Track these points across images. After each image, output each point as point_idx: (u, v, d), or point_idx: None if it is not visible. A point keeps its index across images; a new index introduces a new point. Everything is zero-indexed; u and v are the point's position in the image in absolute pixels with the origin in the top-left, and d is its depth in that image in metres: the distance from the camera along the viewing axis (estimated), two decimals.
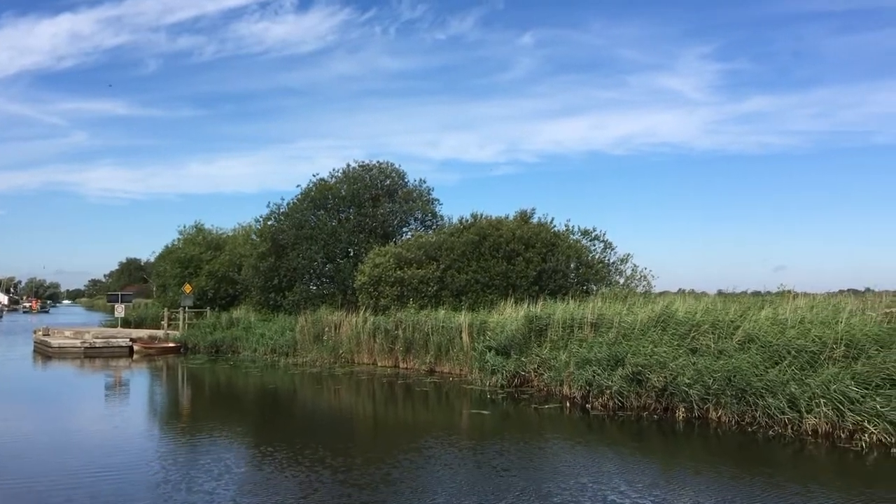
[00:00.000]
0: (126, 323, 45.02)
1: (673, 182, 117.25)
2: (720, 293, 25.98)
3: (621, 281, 29.65)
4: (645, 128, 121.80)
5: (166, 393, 22.36)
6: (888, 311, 15.41)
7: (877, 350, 13.98)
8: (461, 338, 23.98)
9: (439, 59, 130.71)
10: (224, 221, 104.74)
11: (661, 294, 26.30)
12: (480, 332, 23.18)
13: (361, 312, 28.73)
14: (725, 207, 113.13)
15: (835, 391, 13.44)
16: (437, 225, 35.26)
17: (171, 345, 35.39)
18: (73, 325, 49.71)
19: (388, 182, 36.09)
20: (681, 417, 15.61)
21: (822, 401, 13.51)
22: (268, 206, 38.29)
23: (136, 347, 34.23)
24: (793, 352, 14.87)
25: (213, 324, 36.93)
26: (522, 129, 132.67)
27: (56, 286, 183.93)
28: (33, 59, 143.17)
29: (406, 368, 26.04)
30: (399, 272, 28.48)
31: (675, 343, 17.09)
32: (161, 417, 17.53)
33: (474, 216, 30.97)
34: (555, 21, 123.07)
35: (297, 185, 37.76)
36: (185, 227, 46.52)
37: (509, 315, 23.31)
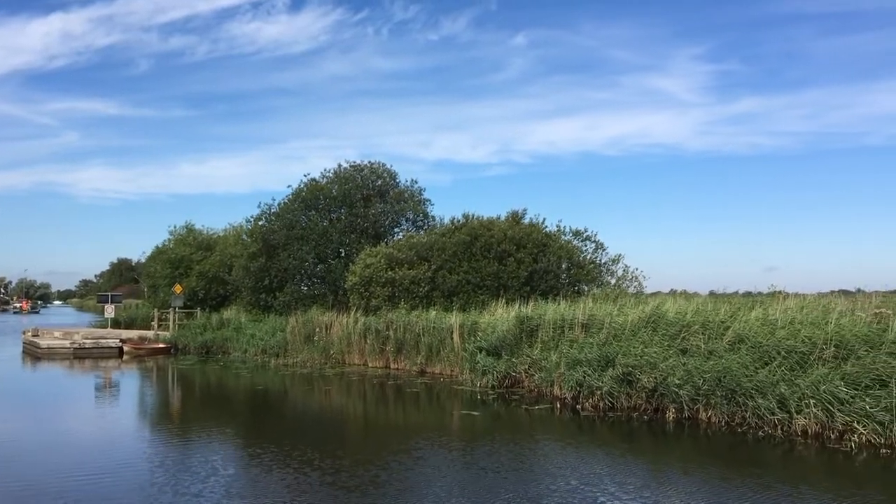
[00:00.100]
0: (116, 323, 44.81)
1: (665, 183, 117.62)
2: (712, 294, 26.10)
3: (612, 281, 29.67)
4: (637, 128, 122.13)
5: (155, 394, 22.22)
6: (878, 311, 15.43)
7: (866, 350, 13.98)
8: (452, 338, 23.93)
9: (432, 59, 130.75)
10: (216, 222, 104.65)
11: (653, 294, 26.34)
12: (471, 332, 23.13)
13: (352, 313, 28.65)
14: (717, 208, 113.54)
15: (824, 392, 13.44)
16: (429, 225, 35.21)
17: (161, 345, 35.23)
18: (62, 325, 49.47)
19: (379, 182, 36.02)
20: (671, 418, 15.60)
21: (811, 401, 13.50)
22: (258, 206, 38.26)
23: (125, 348, 34.06)
24: (783, 352, 14.88)
25: (204, 324, 36.76)
26: (515, 129, 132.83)
27: (47, 286, 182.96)
28: (24, 58, 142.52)
29: (397, 369, 25.97)
30: (390, 273, 28.40)
31: (666, 343, 17.08)
32: (149, 419, 17.41)
33: (466, 217, 30.93)
34: (547, 22, 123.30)
35: (288, 186, 37.65)
36: (175, 227, 46.38)
37: (500, 316, 23.28)
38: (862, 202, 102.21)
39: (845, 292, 22.88)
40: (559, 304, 22.23)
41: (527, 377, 20.19)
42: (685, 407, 15.44)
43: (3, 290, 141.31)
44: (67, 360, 31.36)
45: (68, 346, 33.49)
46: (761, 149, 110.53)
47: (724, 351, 15.86)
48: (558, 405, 17.72)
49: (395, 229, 35.87)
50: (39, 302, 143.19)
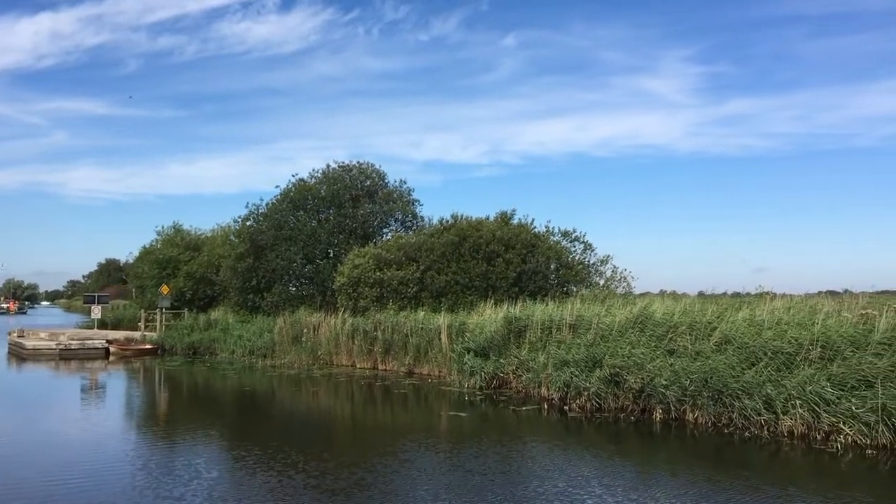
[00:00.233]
0: (103, 324, 44.46)
1: (656, 184, 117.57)
2: (700, 294, 26.11)
3: (601, 282, 29.69)
4: (628, 130, 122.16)
5: (141, 396, 22.03)
6: (864, 312, 15.46)
7: (852, 351, 14.01)
8: (440, 339, 23.87)
9: (422, 60, 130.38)
10: (205, 222, 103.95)
11: (643, 295, 26.34)
12: (459, 333, 23.07)
13: (340, 314, 28.53)
14: (708, 209, 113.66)
15: (810, 392, 13.46)
16: (418, 226, 35.13)
17: (148, 346, 34.99)
18: (50, 326, 49.11)
19: (368, 182, 35.91)
20: (658, 419, 15.59)
21: (797, 402, 13.52)
22: (246, 206, 38.00)
23: (112, 349, 33.81)
24: (769, 353, 14.90)
25: (191, 325, 36.51)
26: (505, 130, 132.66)
27: (35, 287, 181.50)
28: (13, 57, 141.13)
29: (385, 370, 25.87)
30: (378, 273, 28.31)
31: (653, 344, 17.09)
32: (134, 421, 17.25)
33: (454, 217, 30.88)
34: (538, 22, 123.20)
35: (276, 186, 37.47)
36: (163, 227, 46.06)
37: (488, 316, 23.24)
38: (852, 203, 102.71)
39: (833, 293, 22.92)
40: (547, 305, 22.20)
41: (514, 378, 20.15)
42: (672, 408, 15.43)
43: None
44: (53, 362, 31.09)
45: (54, 347, 33.19)
46: (752, 150, 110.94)
47: (711, 352, 15.88)
48: (546, 406, 17.68)
49: (384, 230, 35.77)
50: (27, 303, 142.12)
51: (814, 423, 13.34)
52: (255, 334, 31.82)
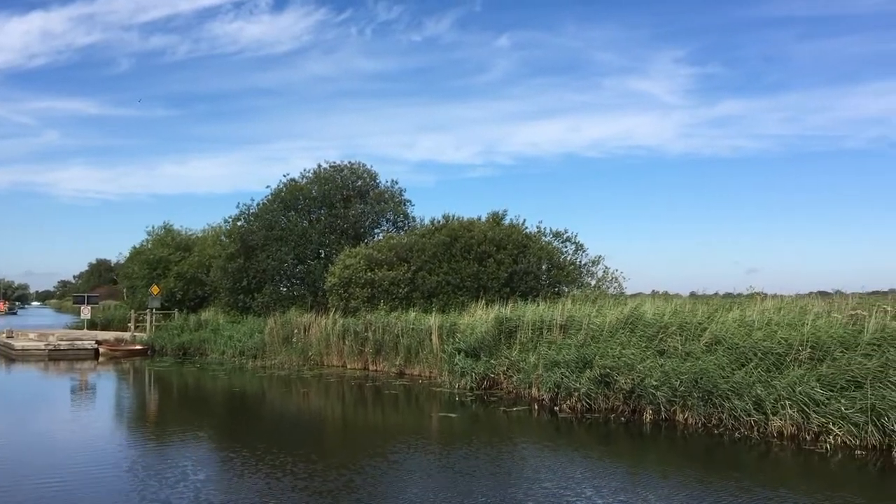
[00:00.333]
0: (93, 325, 44.24)
1: (648, 184, 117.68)
2: (693, 295, 26.13)
3: (593, 283, 29.70)
4: (619, 131, 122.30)
5: (130, 397, 21.91)
6: (853, 312, 15.47)
7: (842, 352, 14.01)
8: (431, 340, 23.80)
9: (415, 60, 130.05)
10: (197, 222, 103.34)
11: (635, 296, 26.34)
12: (450, 334, 23.01)
13: (331, 314, 28.42)
14: (699, 210, 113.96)
15: (800, 393, 13.46)
16: (409, 226, 35.05)
17: (138, 347, 34.81)
18: (40, 326, 48.82)
19: (359, 183, 35.81)
20: (648, 419, 15.57)
21: (787, 403, 13.52)
22: (237, 206, 37.83)
23: (101, 350, 33.62)
24: (759, 354, 14.89)
25: (181, 326, 36.31)
26: (499, 130, 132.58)
27: (25, 287, 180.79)
28: (3, 57, 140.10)
29: (376, 371, 25.80)
30: (370, 273, 28.23)
31: (643, 345, 17.07)
32: (123, 422, 17.13)
33: (446, 217, 30.85)
34: (531, 23, 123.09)
35: (267, 186, 37.31)
36: (153, 227, 45.83)
37: (479, 317, 23.17)
38: (842, 205, 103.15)
39: (824, 294, 22.97)
40: (538, 306, 22.16)
41: (505, 379, 20.11)
42: (662, 408, 15.42)
43: None
44: (42, 362, 30.89)
45: (43, 347, 32.98)
46: (742, 151, 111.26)
47: (702, 352, 15.86)
48: (536, 407, 17.65)
49: (376, 230, 35.69)
50: (17, 303, 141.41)
51: (803, 423, 13.34)
52: (245, 335, 31.68)
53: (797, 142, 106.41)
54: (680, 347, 16.38)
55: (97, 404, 19.89)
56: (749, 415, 13.98)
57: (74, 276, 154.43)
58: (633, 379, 16.04)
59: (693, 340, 16.48)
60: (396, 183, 36.90)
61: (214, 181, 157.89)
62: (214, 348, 32.30)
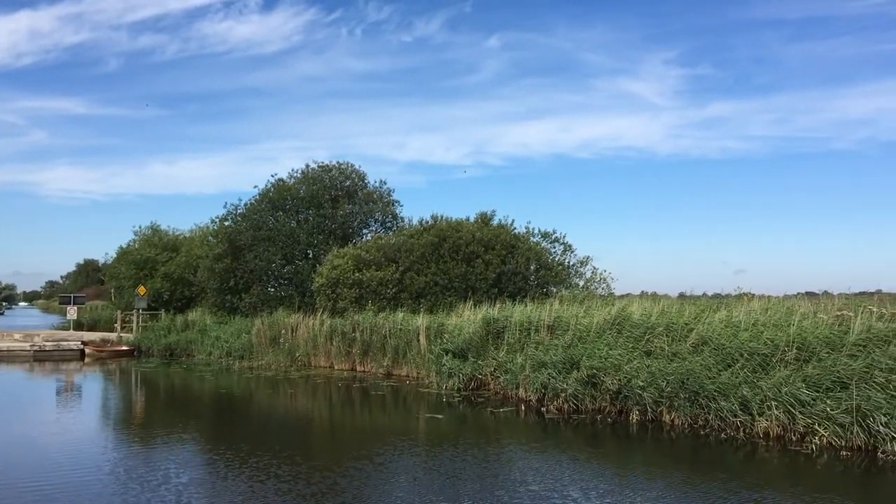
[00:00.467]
0: (79, 325, 43.93)
1: (637, 185, 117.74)
2: (681, 296, 26.17)
3: (581, 283, 29.69)
4: (609, 132, 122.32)
5: (115, 398, 21.71)
6: (839, 313, 15.51)
7: (828, 353, 14.04)
8: (419, 341, 23.72)
9: (406, 60, 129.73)
10: (186, 223, 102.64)
11: (623, 297, 26.35)
12: (438, 334, 22.94)
13: (319, 315, 28.30)
14: (689, 211, 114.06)
15: (786, 394, 13.47)
16: (398, 226, 34.94)
17: (125, 348, 34.57)
18: (26, 327, 48.45)
19: (348, 183, 35.67)
20: (635, 420, 15.56)
21: (773, 404, 13.53)
22: (224, 206, 37.63)
23: (87, 351, 33.37)
24: (745, 354, 14.90)
25: (168, 326, 36.10)
26: (488, 131, 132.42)
27: (12, 288, 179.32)
28: None
29: (363, 372, 25.70)
30: (357, 274, 28.11)
31: (630, 346, 17.06)
32: (107, 424, 16.97)
33: (434, 218, 30.76)
34: (521, 24, 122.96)
35: (255, 186, 37.12)
36: (140, 227, 45.53)
37: (467, 318, 23.10)
38: (830, 206, 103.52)
39: (811, 294, 23.05)
40: (526, 306, 22.12)
41: (492, 380, 20.07)
42: (649, 409, 15.42)
43: None
44: (27, 363, 30.62)
45: (28, 348, 32.70)
46: (732, 152, 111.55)
47: (688, 353, 15.87)
48: (523, 408, 17.61)
49: (364, 230, 35.56)
50: (4, 303, 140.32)
51: (789, 424, 13.36)
52: (232, 336, 31.51)
53: (786, 143, 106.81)
54: (667, 348, 16.39)
55: (82, 406, 19.71)
56: (735, 415, 13.99)
57: (62, 277, 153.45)
58: (619, 380, 16.02)
59: (680, 341, 16.48)
60: (385, 183, 36.87)
61: (204, 181, 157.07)
62: (201, 349, 32.09)
